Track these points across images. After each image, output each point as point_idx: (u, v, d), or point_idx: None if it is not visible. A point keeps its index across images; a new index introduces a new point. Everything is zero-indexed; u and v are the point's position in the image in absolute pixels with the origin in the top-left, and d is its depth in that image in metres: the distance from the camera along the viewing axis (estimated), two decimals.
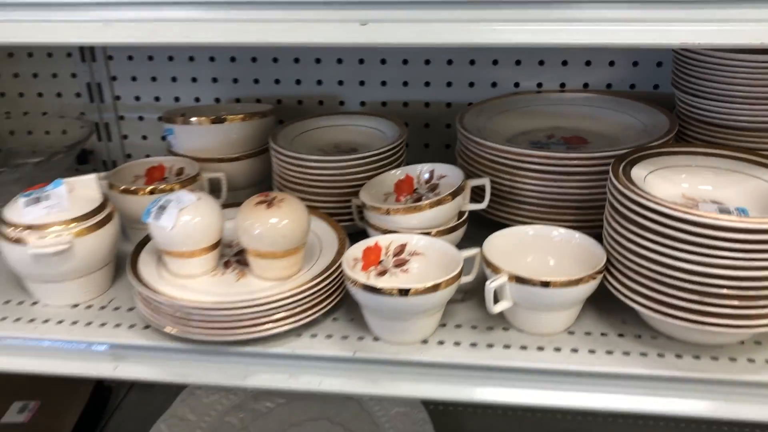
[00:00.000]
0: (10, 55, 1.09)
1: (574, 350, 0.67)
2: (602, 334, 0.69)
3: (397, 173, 0.83)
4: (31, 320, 0.75)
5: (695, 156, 0.72)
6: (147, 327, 0.72)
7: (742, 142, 0.80)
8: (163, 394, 1.18)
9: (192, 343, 0.69)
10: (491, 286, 0.65)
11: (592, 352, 0.67)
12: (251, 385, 0.69)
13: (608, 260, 0.67)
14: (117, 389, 1.23)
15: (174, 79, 1.07)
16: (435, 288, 0.64)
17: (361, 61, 1.01)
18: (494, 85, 1.01)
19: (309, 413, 1.13)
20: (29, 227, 0.72)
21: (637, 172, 0.68)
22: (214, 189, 0.89)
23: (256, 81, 1.05)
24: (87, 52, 1.06)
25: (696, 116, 0.84)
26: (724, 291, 0.60)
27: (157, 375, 0.71)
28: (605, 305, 0.71)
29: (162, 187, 0.84)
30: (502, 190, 0.81)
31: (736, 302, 0.61)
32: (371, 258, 0.72)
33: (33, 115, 1.11)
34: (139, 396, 1.22)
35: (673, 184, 0.69)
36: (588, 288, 0.66)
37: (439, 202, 0.74)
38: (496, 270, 0.67)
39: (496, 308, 0.67)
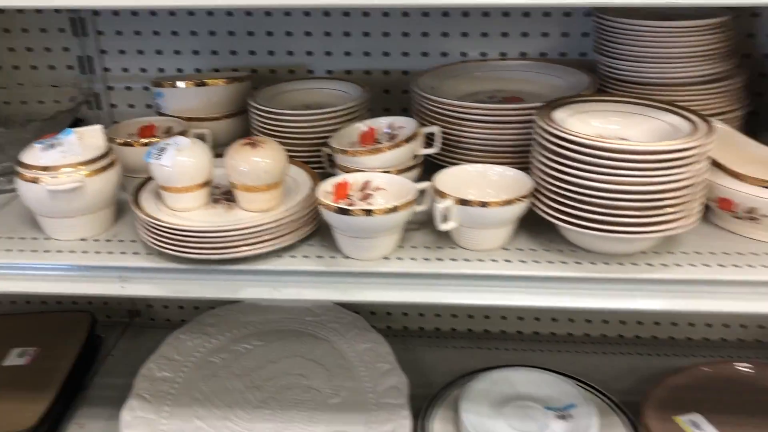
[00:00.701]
0: (6, 30, 1.20)
1: (508, 260, 0.81)
2: (531, 250, 0.84)
3: (361, 126, 0.96)
4: (46, 251, 0.86)
5: (607, 103, 0.87)
6: (149, 254, 0.85)
7: (651, 96, 0.96)
8: (151, 340, 1.29)
9: (189, 263, 0.82)
10: (440, 206, 0.79)
11: (522, 261, 0.81)
12: (241, 297, 0.82)
13: (535, 188, 0.82)
14: (107, 338, 1.34)
15: (159, 52, 1.19)
16: (394, 209, 0.78)
17: (328, 34, 1.15)
18: (444, 54, 1.15)
19: (285, 352, 1.25)
20: (45, 168, 0.83)
21: (558, 115, 0.82)
22: None
23: (233, 53, 1.18)
24: (78, 28, 1.18)
25: (613, 75, 0.99)
26: (627, 204, 0.75)
27: (159, 292, 0.83)
28: (535, 228, 0.86)
29: (154, 141, 0.96)
30: (451, 138, 0.95)
31: (636, 213, 0.76)
32: (341, 192, 0.85)
33: (27, 86, 1.21)
34: (128, 343, 1.34)
35: (587, 124, 0.83)
36: (518, 208, 0.80)
37: (396, 145, 0.88)
38: (443, 195, 0.81)
39: (444, 226, 0.81)
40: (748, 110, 1.00)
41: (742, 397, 1.05)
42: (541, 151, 0.80)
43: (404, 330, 1.38)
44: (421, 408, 1.10)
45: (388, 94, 1.18)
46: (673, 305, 0.79)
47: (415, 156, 0.92)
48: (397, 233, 0.82)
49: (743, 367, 1.10)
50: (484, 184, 0.86)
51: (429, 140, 0.95)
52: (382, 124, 0.96)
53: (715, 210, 0.87)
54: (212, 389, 1.18)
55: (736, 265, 0.79)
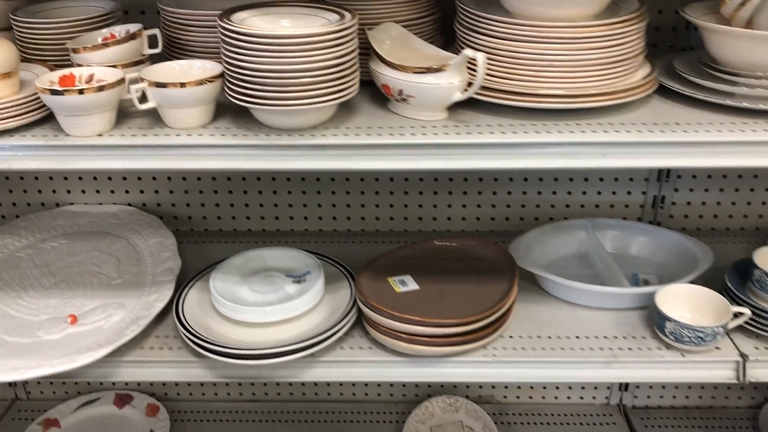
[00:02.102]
0: None
1: (201, 135, 0.99)
2: (227, 128, 1.02)
3: (104, 31, 1.13)
4: None
5: (284, 6, 1.04)
6: None
7: (358, 7, 1.14)
8: None
9: None
10: (134, 87, 0.97)
11: (212, 135, 0.99)
12: None
13: (224, 74, 1.00)
14: None
15: None
16: (101, 89, 0.95)
17: None
18: None
19: (85, 248, 1.42)
20: None
21: (239, 15, 1.00)
22: None
23: None
24: None
25: None
26: (289, 81, 0.94)
27: None
28: (237, 114, 1.04)
29: None
30: (179, 41, 1.13)
31: (296, 88, 0.94)
32: (68, 83, 1.02)
33: None
34: None
35: (265, 21, 1.01)
36: (206, 89, 0.98)
37: (118, 42, 1.05)
38: (143, 81, 0.98)
39: (142, 106, 0.98)
40: (438, 17, 1.20)
41: (446, 263, 1.27)
42: (223, 44, 0.98)
43: (205, 231, 1.56)
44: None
45: (144, 15, 1.34)
46: (325, 165, 0.98)
47: (143, 54, 1.09)
48: (107, 112, 0.99)
49: (449, 241, 1.31)
50: (189, 76, 1.04)
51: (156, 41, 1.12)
52: (121, 30, 1.12)
53: (388, 96, 1.06)
54: (11, 277, 1.34)
55: (380, 134, 0.99)
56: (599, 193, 1.49)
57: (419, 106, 1.03)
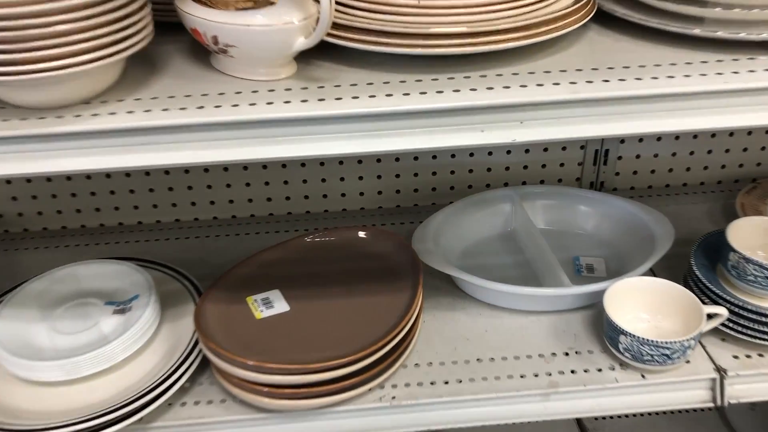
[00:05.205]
0: None
1: None
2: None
3: None
4: None
5: None
6: None
7: None
8: None
9: None
10: None
11: None
12: None
13: None
14: None
15: None
16: None
17: None
18: None
19: None
20: None
21: None
22: None
23: None
24: None
25: None
26: (23, 35, 0.58)
27: None
28: None
29: None
30: None
31: (36, 44, 0.59)
32: None
33: None
34: None
35: None
36: None
37: None
38: None
39: None
40: None
41: (325, 267, 0.94)
42: None
43: (25, 232, 1.20)
44: None
45: None
46: (87, 165, 0.63)
47: None
48: None
49: (327, 236, 0.99)
50: None
51: None
52: None
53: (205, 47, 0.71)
54: None
55: (184, 107, 0.64)
56: (527, 151, 1.18)
57: (248, 59, 0.68)
